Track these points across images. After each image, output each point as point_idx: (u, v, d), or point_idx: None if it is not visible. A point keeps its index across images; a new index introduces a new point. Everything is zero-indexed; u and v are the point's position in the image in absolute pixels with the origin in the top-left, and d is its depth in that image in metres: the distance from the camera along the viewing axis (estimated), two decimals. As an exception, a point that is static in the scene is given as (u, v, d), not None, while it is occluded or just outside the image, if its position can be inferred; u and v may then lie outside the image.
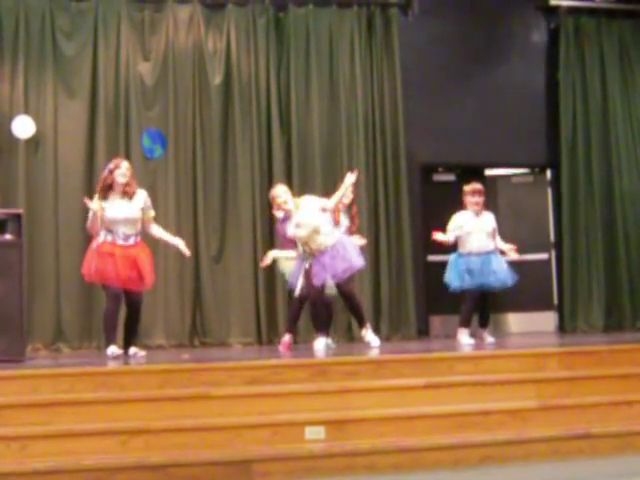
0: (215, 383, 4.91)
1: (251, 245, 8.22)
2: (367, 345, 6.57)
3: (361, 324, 6.70)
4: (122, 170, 6.23)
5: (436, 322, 8.86)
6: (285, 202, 6.48)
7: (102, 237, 6.14)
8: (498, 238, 7.03)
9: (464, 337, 6.80)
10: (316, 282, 6.32)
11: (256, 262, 8.04)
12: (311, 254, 6.39)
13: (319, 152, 8.49)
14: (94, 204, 6.12)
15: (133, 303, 6.26)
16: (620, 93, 9.21)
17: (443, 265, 7.15)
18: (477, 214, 6.96)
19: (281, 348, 6.72)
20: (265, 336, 8.12)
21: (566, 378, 5.26)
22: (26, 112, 7.92)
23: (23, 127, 7.85)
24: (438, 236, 6.87)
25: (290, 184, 7.59)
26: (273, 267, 7.82)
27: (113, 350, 6.04)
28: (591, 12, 9.29)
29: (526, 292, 8.44)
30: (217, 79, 8.42)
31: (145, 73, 8.34)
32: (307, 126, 8.52)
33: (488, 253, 6.88)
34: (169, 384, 4.88)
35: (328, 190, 7.43)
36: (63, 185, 8.01)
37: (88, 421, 4.59)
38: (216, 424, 4.64)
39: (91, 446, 4.43)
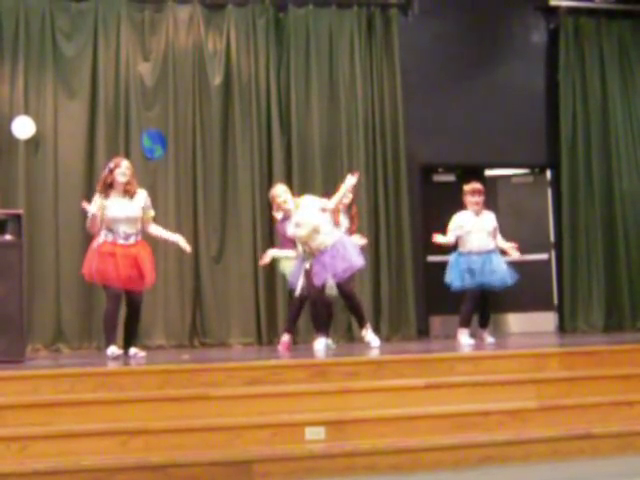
0: (215, 383, 4.91)
1: (251, 245, 8.22)
2: (367, 345, 6.57)
3: (361, 324, 6.70)
4: (122, 169, 6.23)
5: (436, 322, 8.86)
6: (285, 202, 6.48)
7: (102, 237, 6.14)
8: (499, 237, 7.03)
9: (464, 337, 6.80)
10: (316, 282, 6.31)
11: (256, 262, 8.04)
12: (311, 254, 6.39)
13: (319, 152, 8.50)
14: (92, 207, 6.11)
15: (133, 303, 6.26)
16: (620, 93, 9.21)
17: (443, 265, 7.14)
18: (477, 214, 6.96)
19: (280, 348, 6.72)
20: (265, 336, 8.12)
21: (566, 378, 5.25)
22: (26, 112, 7.93)
23: (23, 127, 7.85)
24: (438, 238, 6.87)
25: (290, 184, 7.59)
26: (273, 267, 7.84)
27: (113, 350, 6.04)
28: (591, 12, 9.29)
29: (526, 292, 8.44)
30: (217, 79, 8.42)
31: (145, 73, 8.34)
32: (307, 126, 8.52)
33: (488, 252, 6.88)
34: (169, 384, 4.88)
35: (328, 190, 7.43)
36: (63, 185, 8.01)
37: (88, 421, 4.59)
38: (216, 424, 4.64)
39: (91, 446, 4.43)
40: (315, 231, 6.31)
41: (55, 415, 4.60)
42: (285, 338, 6.82)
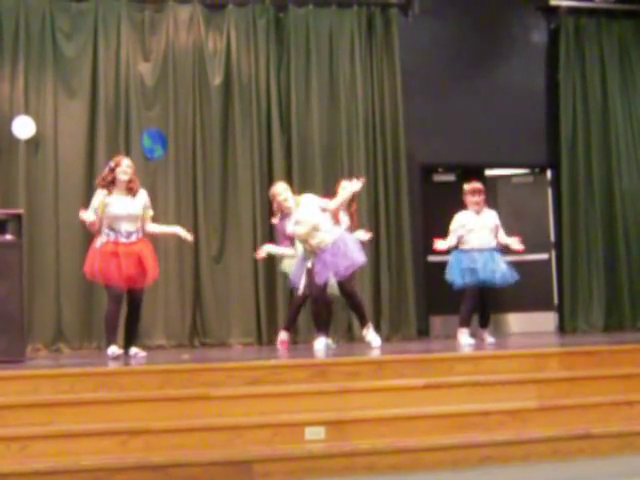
0: (215, 383, 4.91)
1: (251, 245, 8.21)
2: (368, 345, 6.57)
3: (363, 323, 6.70)
4: (123, 168, 6.24)
5: (436, 322, 8.86)
6: (285, 200, 6.47)
7: (104, 237, 6.14)
8: (502, 233, 7.01)
9: (464, 337, 6.79)
10: (318, 280, 6.31)
11: (256, 262, 8.05)
12: (312, 252, 6.39)
13: (319, 152, 8.50)
14: (89, 213, 6.11)
15: (134, 300, 6.26)
16: (620, 93, 9.22)
17: (443, 265, 7.14)
18: (478, 213, 6.96)
19: (280, 347, 6.73)
20: (265, 336, 8.12)
21: (566, 378, 5.25)
22: (26, 112, 7.93)
23: (23, 127, 7.85)
24: (439, 245, 6.84)
25: (290, 184, 7.56)
26: (273, 267, 7.85)
27: (113, 350, 6.04)
28: (591, 12, 9.29)
29: (526, 292, 8.44)
30: (217, 79, 8.42)
31: (145, 73, 8.34)
32: (307, 126, 8.52)
33: (490, 250, 6.87)
34: (169, 384, 4.88)
35: (328, 190, 7.44)
36: (63, 185, 8.01)
37: (88, 421, 4.60)
38: (216, 424, 4.64)
39: (91, 446, 4.43)
40: (315, 229, 6.32)
41: (55, 415, 4.60)
42: (284, 337, 6.82)
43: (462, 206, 7.03)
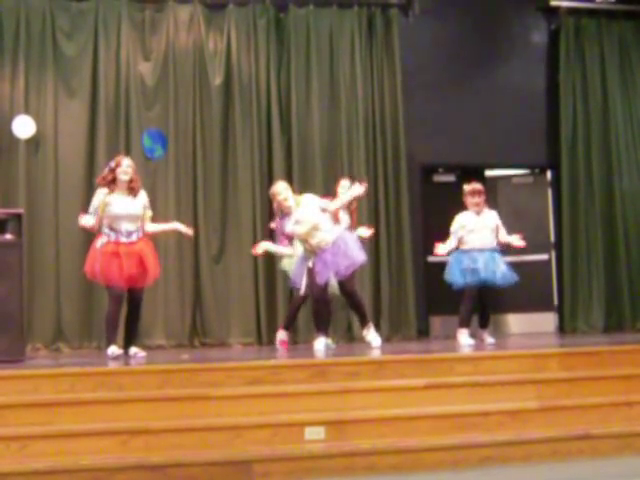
0: (215, 383, 4.91)
1: (251, 245, 8.13)
2: (368, 345, 6.57)
3: (363, 323, 6.70)
4: (123, 168, 6.23)
5: (436, 323, 8.86)
6: (285, 199, 6.46)
7: (105, 237, 6.14)
8: (503, 232, 6.99)
9: (464, 338, 6.79)
10: (319, 280, 6.31)
11: (256, 262, 8.05)
12: (312, 252, 6.39)
13: (319, 152, 8.50)
14: (87, 220, 6.11)
15: (134, 299, 6.26)
16: (620, 94, 9.22)
17: (443, 266, 7.13)
18: (478, 214, 6.96)
19: (280, 347, 6.73)
20: (265, 336, 8.12)
21: (566, 379, 5.25)
22: (26, 112, 7.93)
23: (23, 127, 7.85)
24: (440, 250, 6.83)
25: (290, 184, 7.55)
26: (273, 267, 7.85)
27: (113, 350, 6.04)
28: (591, 13, 9.30)
29: (526, 293, 8.45)
30: (217, 79, 8.42)
31: (145, 73, 8.34)
32: (307, 126, 8.52)
33: (491, 250, 6.87)
34: (169, 384, 4.88)
35: (328, 190, 7.45)
36: (63, 185, 8.01)
37: (88, 421, 4.59)
38: (216, 424, 4.64)
39: (91, 446, 4.43)
40: (315, 229, 6.32)
41: (55, 414, 4.60)
42: (283, 336, 6.82)
43: (462, 206, 7.02)
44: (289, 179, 8.08)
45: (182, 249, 8.07)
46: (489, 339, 6.96)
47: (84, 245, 7.02)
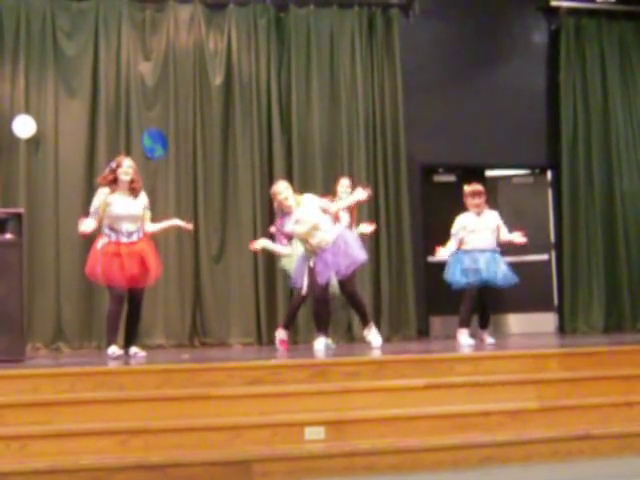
0: (215, 383, 4.91)
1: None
2: (368, 345, 6.57)
3: (364, 323, 6.70)
4: (124, 168, 6.23)
5: (436, 323, 8.86)
6: (286, 198, 6.45)
7: (106, 237, 6.14)
8: (504, 231, 6.98)
9: (464, 338, 6.78)
10: (320, 280, 6.31)
11: (256, 262, 8.06)
12: (312, 252, 6.39)
13: (319, 152, 8.50)
14: (87, 225, 6.10)
15: (135, 299, 6.26)
16: (621, 94, 9.22)
17: (443, 266, 7.11)
18: (479, 215, 6.95)
19: (279, 346, 6.74)
20: (265, 336, 8.12)
21: (566, 379, 5.25)
22: (27, 111, 7.93)
23: (24, 126, 7.85)
24: (441, 253, 6.83)
25: (290, 184, 7.55)
26: (273, 266, 7.84)
27: (114, 350, 6.04)
28: (592, 13, 9.30)
29: (526, 293, 8.44)
30: (218, 79, 8.42)
31: (146, 73, 8.34)
32: (308, 126, 8.52)
33: (492, 251, 6.86)
34: (169, 384, 4.88)
35: (328, 189, 7.45)
36: (64, 184, 8.01)
37: (87, 421, 4.59)
38: (216, 424, 4.64)
39: (90, 446, 4.43)
40: (315, 228, 6.32)
41: (55, 414, 4.59)
42: (282, 335, 6.82)
43: (462, 207, 7.01)
44: (289, 179, 8.07)
45: (182, 249, 8.07)
46: (489, 339, 6.95)
47: (84, 245, 7.01)
